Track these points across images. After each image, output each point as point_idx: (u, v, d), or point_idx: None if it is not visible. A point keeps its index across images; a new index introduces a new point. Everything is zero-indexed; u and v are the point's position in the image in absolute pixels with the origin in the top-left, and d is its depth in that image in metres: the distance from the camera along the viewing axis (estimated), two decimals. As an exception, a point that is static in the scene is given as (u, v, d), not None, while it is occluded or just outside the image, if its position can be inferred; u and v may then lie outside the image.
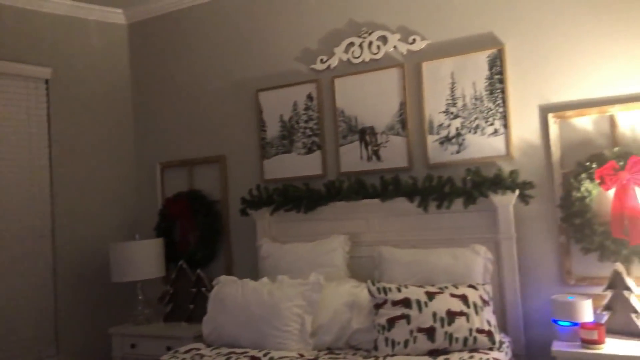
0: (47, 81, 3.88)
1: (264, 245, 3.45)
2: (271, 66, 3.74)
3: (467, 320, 2.50)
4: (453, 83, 3.17)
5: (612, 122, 2.79)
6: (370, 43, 3.40)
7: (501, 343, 2.55)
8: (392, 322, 2.55)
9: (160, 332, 3.51)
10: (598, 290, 2.70)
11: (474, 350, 2.48)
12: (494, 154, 3.06)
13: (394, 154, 3.31)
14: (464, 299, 2.56)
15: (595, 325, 2.46)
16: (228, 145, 3.90)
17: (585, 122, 2.86)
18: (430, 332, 2.48)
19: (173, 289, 3.75)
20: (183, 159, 4.06)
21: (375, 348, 2.57)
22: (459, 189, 2.98)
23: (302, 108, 3.60)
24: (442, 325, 2.48)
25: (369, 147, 3.39)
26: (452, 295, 2.57)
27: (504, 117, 3.03)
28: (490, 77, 3.07)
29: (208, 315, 2.99)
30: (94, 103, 4.12)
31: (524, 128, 3.01)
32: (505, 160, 3.03)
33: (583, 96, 2.87)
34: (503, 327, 2.84)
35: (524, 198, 2.90)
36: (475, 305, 2.54)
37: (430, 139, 3.22)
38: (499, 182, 2.88)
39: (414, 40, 3.28)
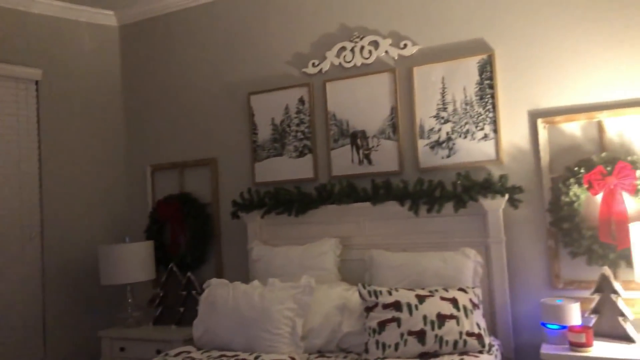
0: (37, 82, 3.86)
1: (255, 248, 3.45)
2: (263, 69, 3.75)
3: (457, 323, 2.51)
4: (444, 88, 3.20)
5: (600, 127, 2.83)
6: (362, 48, 3.42)
7: (491, 346, 2.57)
8: (382, 325, 2.56)
9: (150, 335, 3.49)
10: (586, 293, 2.73)
11: (464, 353, 2.50)
12: (484, 158, 3.09)
13: (385, 157, 3.33)
14: (454, 302, 2.58)
15: (583, 328, 2.48)
16: (219, 148, 3.90)
17: (574, 128, 2.90)
18: (420, 335, 2.49)
19: (163, 292, 3.73)
20: (174, 161, 4.05)
21: (366, 351, 2.58)
22: (449, 193, 3.01)
23: (293, 111, 3.61)
24: (433, 329, 2.50)
25: (360, 151, 3.40)
26: (443, 299, 2.59)
27: (494, 122, 3.07)
28: (480, 83, 3.11)
29: (199, 318, 2.98)
30: (84, 105, 4.10)
31: (514, 133, 3.05)
32: (495, 165, 3.06)
33: (572, 102, 2.91)
34: (493, 330, 2.86)
35: (513, 202, 2.93)
36: (465, 309, 2.56)
37: (421, 143, 3.24)
38: (489, 187, 2.91)
39: (405, 45, 3.30)
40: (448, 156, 3.18)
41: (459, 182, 2.99)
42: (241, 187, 3.69)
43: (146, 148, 4.19)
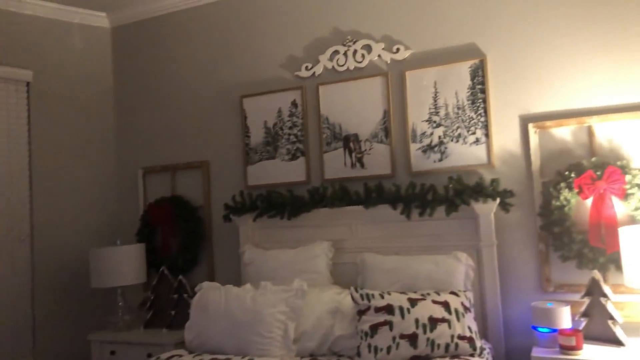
0: (28, 84, 3.83)
1: (247, 251, 3.45)
2: (256, 72, 3.75)
3: (449, 326, 2.52)
4: (436, 92, 3.22)
5: (590, 132, 2.86)
6: (355, 52, 3.43)
7: (482, 349, 2.58)
8: (374, 328, 2.56)
9: (141, 338, 3.46)
10: (576, 297, 2.76)
11: (456, 356, 2.50)
12: (475, 162, 3.11)
13: (377, 161, 3.34)
14: (445, 305, 2.59)
15: (574, 331, 2.50)
16: (211, 150, 3.89)
17: (564, 133, 2.93)
18: (412, 339, 2.50)
19: (154, 295, 3.71)
20: (166, 164, 4.04)
21: (358, 354, 2.58)
22: (441, 196, 3.02)
23: (286, 114, 3.62)
24: (425, 332, 2.50)
25: (353, 154, 3.41)
26: (434, 302, 2.60)
27: (486, 127, 3.09)
28: (472, 87, 3.13)
29: (190, 321, 2.96)
30: (75, 106, 4.08)
31: (505, 137, 3.07)
32: (486, 169, 3.08)
33: (562, 107, 2.94)
34: (484, 334, 2.88)
35: (504, 206, 2.95)
36: (456, 312, 2.57)
37: (413, 147, 3.26)
38: (481, 190, 2.93)
39: (398, 49, 3.32)
40: (440, 160, 3.19)
41: (450, 185, 3.01)
42: (233, 190, 3.69)
43: (138, 150, 4.17)
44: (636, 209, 2.66)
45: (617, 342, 2.51)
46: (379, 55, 3.37)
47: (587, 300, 2.62)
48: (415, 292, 2.72)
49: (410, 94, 3.27)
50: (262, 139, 3.68)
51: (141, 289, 3.92)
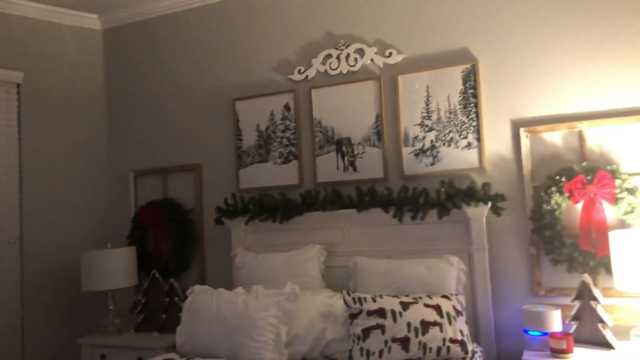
0: (18, 85, 3.81)
1: (239, 254, 3.44)
2: (248, 75, 3.75)
3: (441, 330, 2.53)
4: (428, 96, 3.23)
5: (580, 137, 2.89)
6: (348, 55, 3.44)
7: (474, 353, 2.59)
8: (367, 332, 2.56)
9: (131, 342, 3.44)
10: (567, 300, 2.77)
11: (447, 359, 2.51)
12: (467, 166, 3.12)
13: (370, 165, 3.35)
14: (437, 309, 2.60)
15: (564, 335, 2.52)
16: (203, 153, 3.88)
17: (555, 137, 2.95)
18: (404, 342, 2.50)
19: (145, 299, 3.68)
20: (157, 166, 4.02)
21: (350, 358, 2.58)
22: (433, 200, 3.03)
23: (279, 118, 3.62)
24: (417, 335, 2.51)
25: (346, 158, 3.42)
26: (426, 306, 2.61)
27: (477, 131, 3.10)
28: (464, 92, 3.14)
29: (182, 325, 2.95)
30: (66, 108, 4.05)
31: (497, 142, 3.09)
32: (478, 173, 3.10)
33: (553, 112, 2.96)
34: (475, 337, 2.89)
35: (496, 210, 2.96)
36: (448, 315, 2.58)
37: (406, 151, 3.27)
38: (472, 194, 2.94)
39: (391, 53, 3.33)
40: (432, 164, 3.21)
41: (442, 189, 3.02)
42: (225, 193, 3.68)
43: (129, 153, 4.15)
44: (626, 213, 2.69)
45: (607, 346, 2.53)
46: (372, 59, 3.38)
47: (577, 304, 2.64)
48: (407, 295, 2.72)
49: (403, 98, 3.28)
50: (255, 142, 3.68)
51: (132, 292, 3.90)
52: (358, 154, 3.38)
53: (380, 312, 2.58)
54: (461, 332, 2.57)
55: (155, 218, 3.86)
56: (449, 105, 3.17)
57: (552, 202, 2.82)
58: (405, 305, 2.60)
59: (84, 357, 3.53)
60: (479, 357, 2.64)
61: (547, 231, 2.84)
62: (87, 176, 4.12)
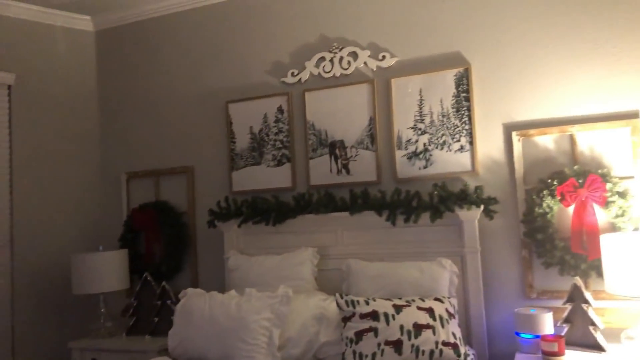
0: (9, 87, 3.78)
1: (232, 257, 3.43)
2: (242, 78, 3.75)
3: (434, 333, 2.53)
4: (421, 100, 3.24)
5: (572, 141, 2.91)
6: (341, 58, 3.45)
7: (466, 355, 2.59)
8: (360, 335, 2.56)
9: (123, 345, 3.41)
10: (558, 303, 2.79)
11: (440, 362, 2.52)
12: (460, 169, 3.14)
13: (363, 167, 3.35)
14: (430, 311, 2.60)
15: (556, 337, 2.53)
16: (196, 156, 3.87)
17: (547, 141, 2.97)
18: (397, 345, 2.50)
19: (137, 302, 3.66)
20: (150, 169, 4.00)
21: (343, 361, 2.58)
22: (426, 203, 3.04)
23: (272, 120, 3.61)
24: (409, 338, 2.51)
25: (339, 161, 3.42)
26: (419, 308, 2.61)
27: (470, 134, 3.12)
28: (457, 95, 3.16)
29: (174, 328, 2.94)
30: (58, 110, 4.03)
31: (489, 145, 3.10)
32: (470, 176, 3.11)
33: (545, 116, 2.98)
34: (468, 340, 2.90)
35: (488, 213, 2.98)
36: (441, 318, 2.59)
37: (399, 154, 3.28)
38: (465, 197, 2.95)
39: (384, 57, 3.34)
40: (425, 167, 3.22)
41: (435, 192, 3.03)
42: (218, 195, 3.67)
43: (121, 155, 4.13)
44: (617, 216, 2.71)
45: (599, 348, 2.54)
46: (365, 63, 3.39)
47: (569, 307, 2.65)
48: (400, 298, 2.73)
49: (396, 101, 3.29)
50: (248, 145, 3.67)
51: (124, 296, 3.88)
52: (351, 156, 3.39)
53: (373, 315, 2.58)
54: (454, 334, 2.58)
55: (147, 220, 3.85)
56: (442, 109, 3.19)
57: (544, 205, 2.83)
58: (398, 308, 2.60)
59: (75, 361, 3.51)
60: (471, 359, 2.64)
61: (539, 234, 2.85)
62: (79, 178, 4.10)
